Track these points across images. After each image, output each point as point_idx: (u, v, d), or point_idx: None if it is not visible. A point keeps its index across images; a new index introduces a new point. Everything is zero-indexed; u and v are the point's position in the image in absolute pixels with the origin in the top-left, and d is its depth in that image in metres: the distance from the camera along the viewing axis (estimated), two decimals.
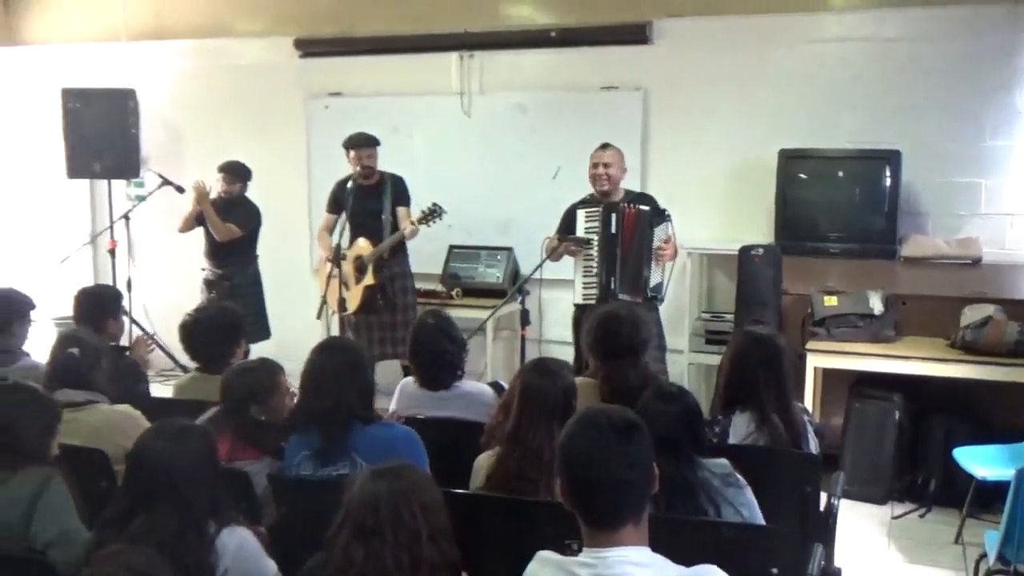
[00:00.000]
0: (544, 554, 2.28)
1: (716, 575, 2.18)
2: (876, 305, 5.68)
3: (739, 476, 3.01)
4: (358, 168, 6.27)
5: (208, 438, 2.72)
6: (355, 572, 2.18)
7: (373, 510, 2.20)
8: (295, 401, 3.52)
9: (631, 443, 2.20)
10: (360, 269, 6.29)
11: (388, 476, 2.27)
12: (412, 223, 6.16)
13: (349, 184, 6.30)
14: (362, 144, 6.30)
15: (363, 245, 6.31)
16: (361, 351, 3.59)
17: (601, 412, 2.30)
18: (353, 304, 6.33)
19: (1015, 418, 5.09)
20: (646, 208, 5.46)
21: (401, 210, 6.29)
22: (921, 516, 5.37)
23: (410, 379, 4.07)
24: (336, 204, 6.44)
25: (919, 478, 5.54)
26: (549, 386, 3.22)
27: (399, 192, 6.38)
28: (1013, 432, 5.01)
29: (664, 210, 5.47)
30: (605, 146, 5.61)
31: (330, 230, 6.47)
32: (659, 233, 5.40)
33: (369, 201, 6.33)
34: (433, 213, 6.16)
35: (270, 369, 3.61)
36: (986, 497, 4.86)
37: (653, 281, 5.43)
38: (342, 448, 3.23)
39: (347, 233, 6.30)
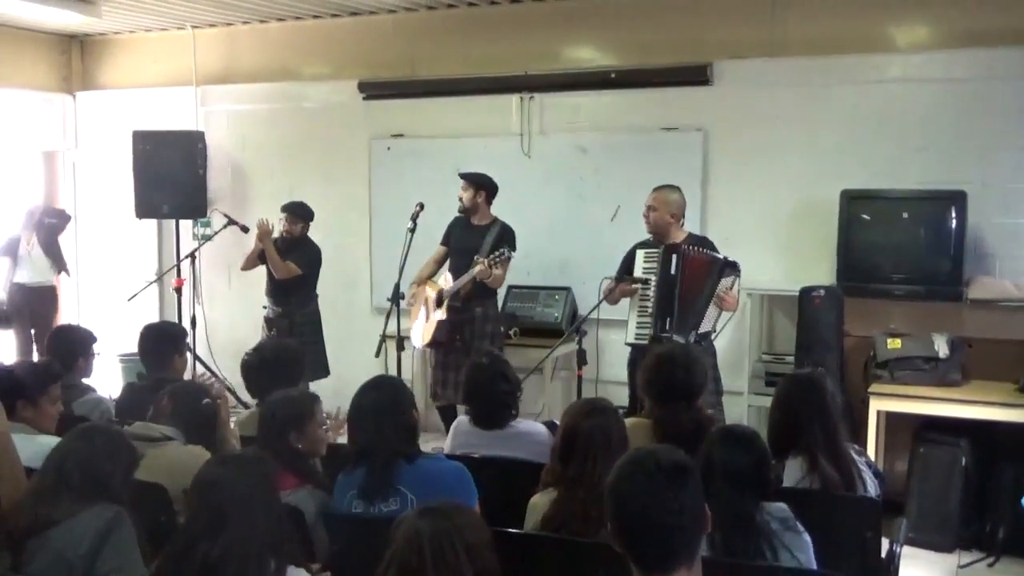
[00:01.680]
0: None
1: None
2: (941, 348, 5.59)
3: (797, 522, 2.97)
4: (460, 199, 6.40)
5: (267, 467, 2.71)
6: None
7: (417, 549, 2.19)
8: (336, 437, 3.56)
9: (681, 487, 2.18)
10: (438, 302, 6.35)
11: (433, 516, 2.26)
12: (482, 263, 6.11)
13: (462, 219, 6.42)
14: (463, 177, 6.44)
15: (447, 279, 6.38)
16: (402, 387, 3.57)
17: (650, 454, 2.28)
18: (425, 338, 6.38)
19: None
20: (720, 256, 5.39)
21: (489, 257, 6.18)
22: (990, 565, 5.23)
23: (465, 418, 4.08)
24: (446, 237, 6.52)
25: (987, 526, 5.40)
26: (611, 427, 3.21)
27: (502, 238, 6.32)
28: None
29: (736, 263, 5.40)
30: (662, 186, 5.58)
31: (437, 261, 6.55)
32: (724, 283, 5.34)
33: (471, 238, 6.38)
34: (500, 256, 6.15)
35: (307, 397, 3.67)
36: None
37: (704, 328, 5.37)
38: (387, 484, 3.25)
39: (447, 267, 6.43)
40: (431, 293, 6.44)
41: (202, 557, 2.44)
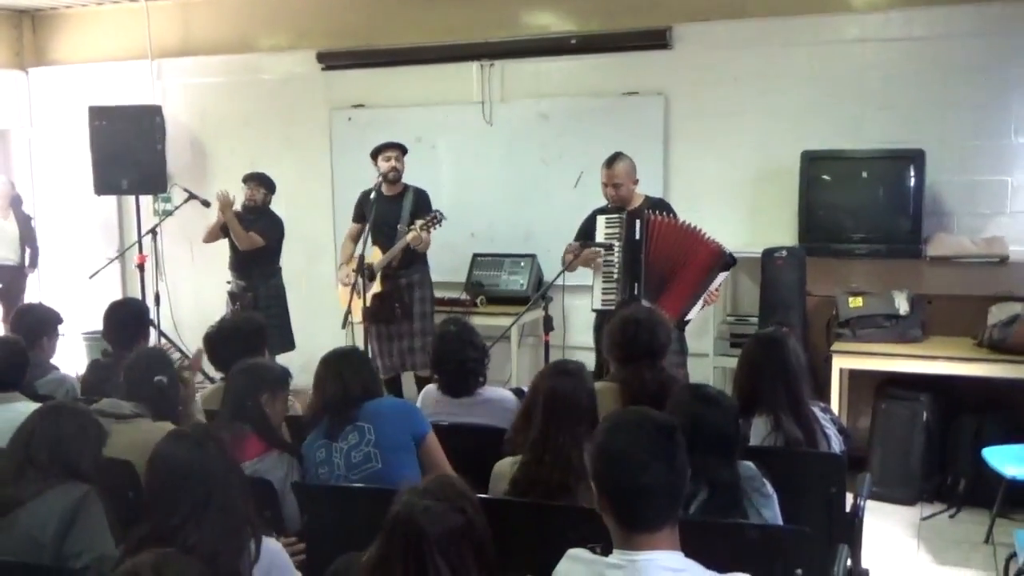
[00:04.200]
0: (575, 552, 2.26)
1: None
2: (902, 305, 5.66)
3: (766, 482, 3.00)
4: (387, 168, 6.33)
5: (224, 443, 2.67)
6: None
7: (402, 553, 2.12)
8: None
9: (673, 447, 2.19)
10: (370, 277, 6.32)
11: (427, 516, 2.15)
12: (414, 230, 6.16)
13: (373, 194, 6.33)
14: (389, 147, 6.39)
15: (375, 253, 6.35)
16: (363, 355, 3.84)
17: (640, 414, 2.28)
18: (360, 312, 6.34)
19: None
20: (728, 252, 5.35)
21: (420, 222, 6.28)
22: (951, 517, 5.33)
23: (433, 386, 4.09)
24: (361, 213, 6.48)
25: (948, 479, 5.51)
26: (577, 389, 3.22)
27: (420, 204, 6.40)
28: None
29: (732, 259, 5.39)
30: (612, 160, 5.49)
31: (354, 239, 6.49)
32: (719, 279, 5.37)
33: (389, 210, 6.37)
34: (432, 220, 6.19)
35: (280, 366, 3.72)
36: (1016, 496, 4.84)
37: (689, 316, 5.39)
38: (346, 421, 3.42)
39: (370, 242, 6.34)
40: (351, 270, 6.38)
41: (183, 543, 2.36)
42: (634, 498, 2.14)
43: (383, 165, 6.35)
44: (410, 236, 6.18)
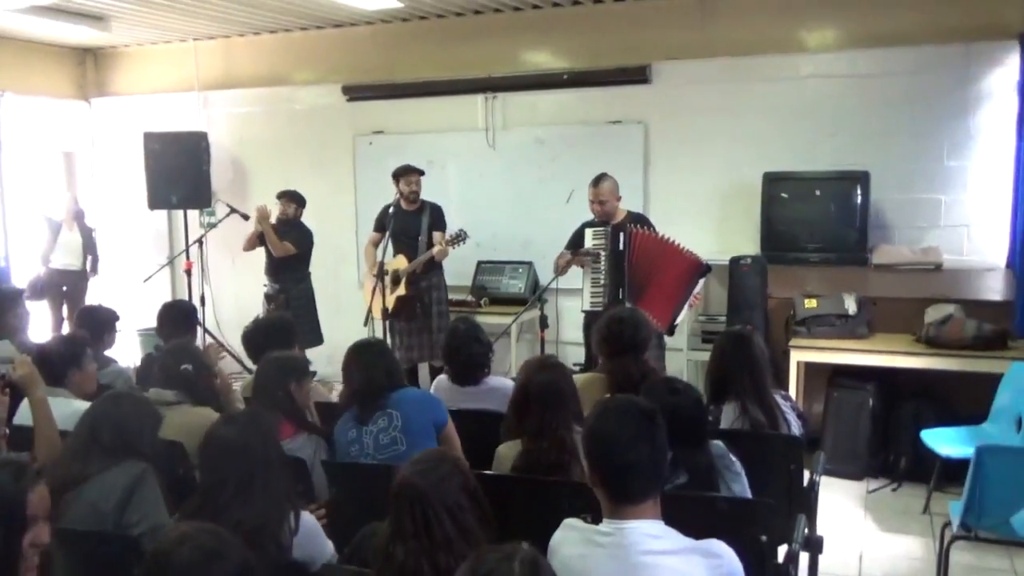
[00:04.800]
0: (570, 521, 2.26)
1: (722, 548, 2.14)
2: (851, 306, 5.66)
3: (734, 459, 2.99)
4: (407, 191, 6.33)
5: (269, 423, 2.67)
6: (396, 563, 2.12)
7: (408, 513, 2.12)
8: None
9: (655, 429, 2.18)
10: (395, 281, 6.32)
11: (420, 474, 2.16)
12: (441, 244, 6.22)
13: (392, 209, 6.33)
14: (411, 171, 6.37)
15: (400, 261, 6.35)
16: (384, 345, 3.71)
17: (627, 401, 2.28)
18: (379, 313, 6.32)
19: (974, 403, 5.02)
20: (704, 262, 5.34)
21: (436, 234, 6.33)
22: (893, 490, 5.33)
23: (444, 376, 4.07)
24: (381, 225, 6.46)
25: (891, 457, 5.51)
26: (561, 379, 3.21)
27: (436, 218, 6.43)
28: (973, 415, 4.95)
29: (708, 268, 5.39)
30: (598, 180, 5.48)
31: (375, 246, 6.47)
32: (699, 285, 5.35)
33: (410, 224, 6.37)
34: (458, 238, 6.24)
35: (303, 357, 3.69)
36: (950, 473, 4.82)
37: (677, 320, 5.38)
38: (376, 408, 3.35)
39: (390, 250, 6.32)
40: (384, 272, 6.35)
41: (235, 523, 2.31)
42: (622, 473, 2.14)
43: (404, 188, 6.35)
44: (436, 250, 6.23)
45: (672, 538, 2.13)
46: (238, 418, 2.66)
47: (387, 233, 6.27)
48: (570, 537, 2.21)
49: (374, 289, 6.19)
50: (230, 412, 2.70)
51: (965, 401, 5.28)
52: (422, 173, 6.43)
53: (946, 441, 4.76)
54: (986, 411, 4.86)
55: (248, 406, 3.79)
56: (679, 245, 5.36)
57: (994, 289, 5.78)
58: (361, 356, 3.50)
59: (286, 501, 2.51)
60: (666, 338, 5.60)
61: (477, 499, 2.21)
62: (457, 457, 2.30)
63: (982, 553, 4.27)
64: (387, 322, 6.29)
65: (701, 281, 5.39)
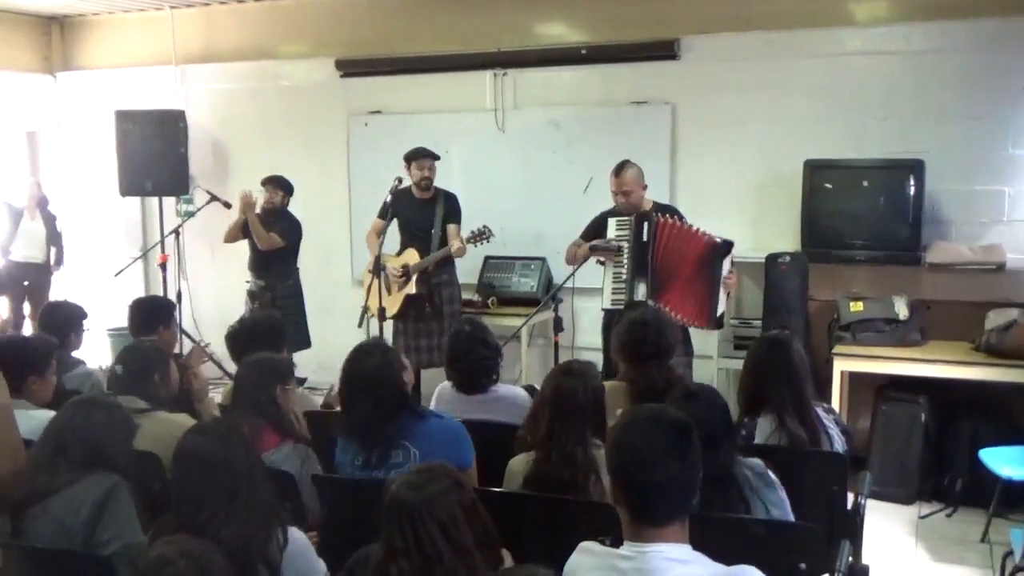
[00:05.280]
0: (587, 545, 2.26)
1: (754, 575, 2.14)
2: (901, 310, 5.64)
3: (773, 476, 3.00)
4: (419, 177, 6.33)
5: (245, 436, 2.66)
6: None
7: (399, 530, 2.14)
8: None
9: (686, 444, 2.17)
10: (405, 277, 6.33)
11: (411, 488, 2.19)
12: (461, 242, 6.19)
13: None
14: (425, 155, 6.37)
15: (411, 255, 6.37)
16: (389, 351, 3.51)
17: (657, 412, 2.27)
18: (392, 310, 6.33)
19: None
20: (721, 240, 5.30)
21: (451, 227, 6.32)
22: (948, 516, 5.31)
23: (447, 384, 4.07)
24: (387, 211, 6.39)
25: (946, 479, 5.48)
26: (580, 388, 3.19)
27: (451, 209, 6.41)
28: None
29: (730, 241, 5.35)
30: (621, 168, 5.50)
31: (378, 233, 6.39)
32: (726, 265, 5.30)
33: (422, 214, 6.38)
34: (482, 235, 6.21)
35: (287, 359, 3.68)
36: (1012, 496, 4.82)
37: (720, 310, 5.35)
38: (390, 448, 3.21)
39: (394, 240, 6.36)
40: (392, 268, 6.37)
41: (214, 535, 2.35)
42: (646, 492, 2.13)
43: (415, 173, 6.35)
44: (455, 248, 6.21)
45: (701, 563, 2.13)
46: (213, 427, 2.68)
47: (392, 222, 6.28)
48: (587, 562, 2.21)
49: (368, 286, 6.19)
50: (202, 422, 2.71)
51: None
52: (437, 158, 6.41)
53: (1008, 461, 4.75)
54: None
55: (226, 413, 3.80)
56: (697, 230, 5.36)
57: None
58: (365, 373, 3.29)
59: (272, 516, 2.52)
60: (694, 344, 5.62)
61: (476, 515, 2.22)
62: (454, 472, 2.30)
63: None
64: (395, 322, 6.31)
65: (727, 260, 5.31)
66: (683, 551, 2.14)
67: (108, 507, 2.76)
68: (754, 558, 2.26)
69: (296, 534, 2.61)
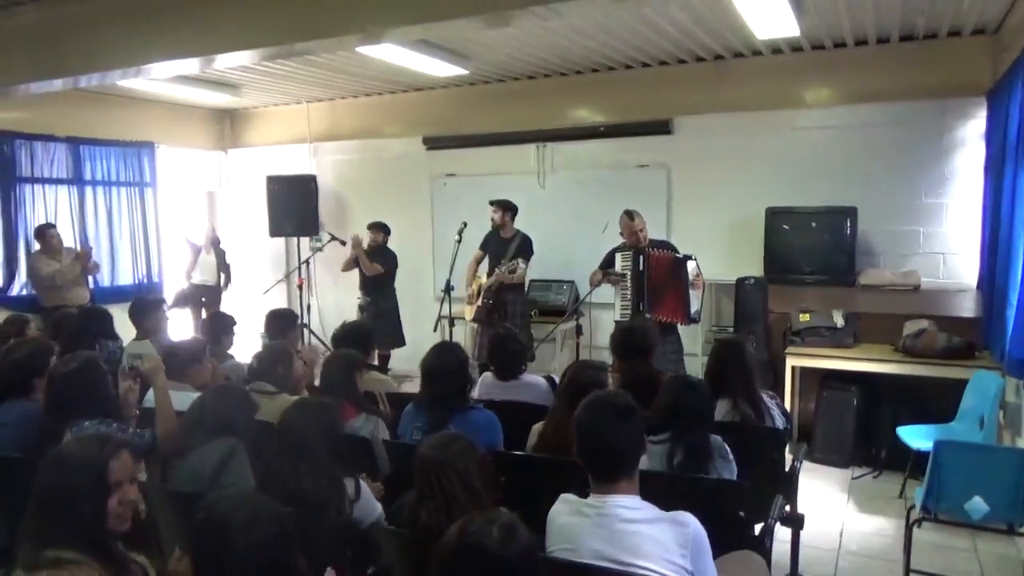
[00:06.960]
0: (565, 495, 2.24)
1: (688, 518, 2.08)
2: (839, 320, 5.49)
3: (728, 450, 2.92)
4: (493, 218, 6.40)
5: (330, 410, 2.68)
6: (421, 523, 2.13)
7: (426, 480, 2.15)
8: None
9: (628, 421, 2.14)
10: (478, 294, 6.37)
11: (433, 448, 2.20)
12: (499, 271, 6.17)
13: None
14: (495, 204, 6.44)
15: (484, 277, 6.42)
16: (462, 354, 3.48)
17: (607, 396, 2.23)
18: (468, 317, 6.41)
19: (944, 404, 4.82)
20: (677, 255, 5.24)
21: (519, 260, 6.24)
22: (874, 477, 5.15)
23: (489, 373, 4.05)
24: (484, 245, 6.52)
25: (873, 449, 5.31)
26: (596, 377, 3.11)
27: (522, 247, 6.36)
28: (943, 415, 4.76)
29: (689, 256, 5.26)
30: (632, 214, 5.42)
31: (477, 262, 6.54)
32: (691, 271, 5.22)
33: (500, 248, 6.40)
34: (512, 266, 6.15)
35: (358, 353, 3.65)
36: (922, 464, 4.52)
37: (693, 308, 5.23)
38: (443, 426, 3.17)
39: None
40: (475, 287, 6.45)
41: (294, 486, 2.37)
42: (597, 456, 2.12)
43: (493, 216, 6.40)
44: (496, 274, 6.21)
45: (647, 510, 2.10)
46: (308, 404, 2.69)
47: (483, 254, 6.43)
48: (563, 508, 2.19)
49: (469, 298, 6.26)
50: (299, 400, 2.73)
51: (936, 402, 5.04)
52: (505, 206, 6.40)
53: (919, 436, 4.58)
54: (954, 412, 4.69)
55: (316, 394, 3.82)
56: (671, 254, 5.28)
57: (965, 307, 5.55)
58: (440, 362, 3.30)
59: (346, 473, 2.52)
60: (684, 342, 5.52)
61: (484, 466, 2.21)
62: (464, 437, 2.28)
63: (947, 534, 4.09)
64: (476, 325, 6.41)
65: (690, 265, 5.19)
66: (634, 500, 2.11)
67: (229, 461, 2.80)
68: (704, 507, 2.21)
69: (362, 483, 2.61)
